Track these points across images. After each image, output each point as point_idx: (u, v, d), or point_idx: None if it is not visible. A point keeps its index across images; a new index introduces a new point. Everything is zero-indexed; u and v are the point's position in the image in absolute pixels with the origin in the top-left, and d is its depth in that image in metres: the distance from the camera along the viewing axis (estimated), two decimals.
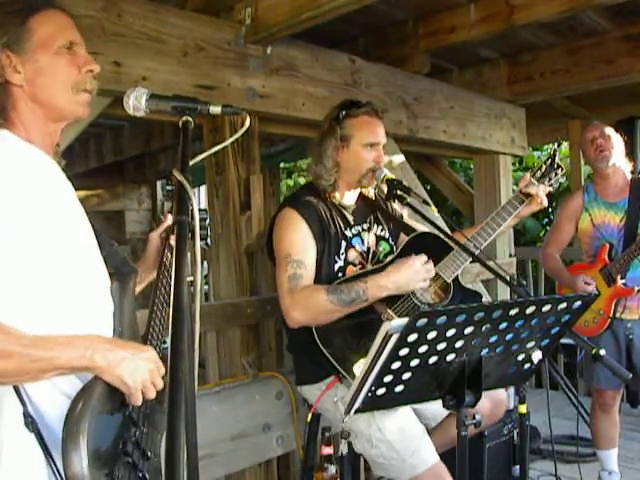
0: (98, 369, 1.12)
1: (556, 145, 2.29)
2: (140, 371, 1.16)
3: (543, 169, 2.23)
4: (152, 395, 1.20)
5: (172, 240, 1.56)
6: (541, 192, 2.18)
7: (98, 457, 1.09)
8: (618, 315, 2.91)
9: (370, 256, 2.29)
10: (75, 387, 1.15)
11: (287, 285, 2.08)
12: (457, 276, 2.22)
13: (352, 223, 2.28)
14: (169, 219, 1.65)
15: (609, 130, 3.03)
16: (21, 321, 1.10)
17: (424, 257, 2.11)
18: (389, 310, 2.16)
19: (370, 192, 2.35)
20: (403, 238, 2.42)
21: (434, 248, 2.19)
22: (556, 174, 2.23)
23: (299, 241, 2.14)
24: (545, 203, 2.20)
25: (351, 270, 2.22)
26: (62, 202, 1.22)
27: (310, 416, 2.28)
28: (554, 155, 2.24)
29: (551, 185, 2.24)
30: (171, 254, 1.55)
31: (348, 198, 2.31)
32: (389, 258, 2.29)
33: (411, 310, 2.16)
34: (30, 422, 1.12)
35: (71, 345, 1.11)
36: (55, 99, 1.24)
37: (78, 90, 1.26)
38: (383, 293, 2.08)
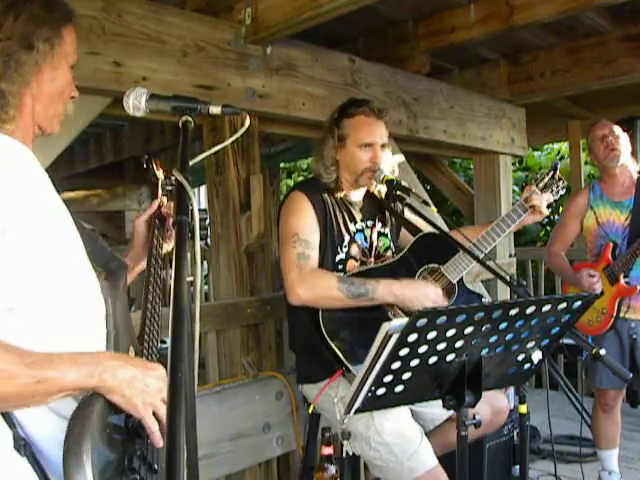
0: (107, 389, 1.05)
1: (558, 158, 2.39)
2: (150, 391, 1.09)
3: (546, 180, 2.37)
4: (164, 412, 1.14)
5: (165, 231, 1.61)
6: (544, 203, 2.30)
7: (104, 478, 1.01)
8: (622, 315, 2.90)
9: (372, 251, 2.31)
10: (71, 405, 1.05)
11: (296, 261, 2.09)
12: (462, 277, 2.25)
13: (357, 219, 2.30)
14: (154, 205, 1.68)
15: (617, 128, 3.02)
16: (10, 333, 1.02)
17: (440, 290, 2.16)
18: (397, 307, 2.18)
19: (380, 190, 2.35)
20: (404, 234, 2.45)
21: (442, 248, 2.23)
22: (557, 186, 2.38)
23: (306, 223, 2.16)
24: (546, 213, 2.32)
25: (352, 264, 2.23)
26: (44, 199, 1.14)
27: (311, 409, 2.23)
28: (555, 168, 2.39)
29: (554, 195, 2.36)
30: (159, 242, 1.57)
31: (354, 195, 2.33)
32: (389, 253, 2.35)
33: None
34: (23, 445, 1.03)
35: (77, 363, 1.02)
36: (49, 109, 1.23)
37: (65, 110, 1.28)
38: (390, 299, 2.13)
